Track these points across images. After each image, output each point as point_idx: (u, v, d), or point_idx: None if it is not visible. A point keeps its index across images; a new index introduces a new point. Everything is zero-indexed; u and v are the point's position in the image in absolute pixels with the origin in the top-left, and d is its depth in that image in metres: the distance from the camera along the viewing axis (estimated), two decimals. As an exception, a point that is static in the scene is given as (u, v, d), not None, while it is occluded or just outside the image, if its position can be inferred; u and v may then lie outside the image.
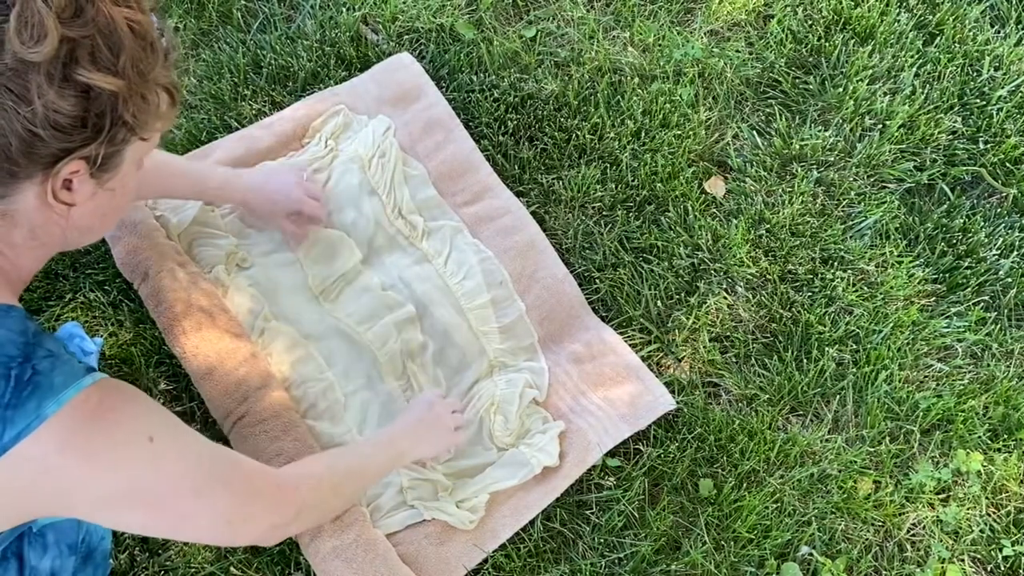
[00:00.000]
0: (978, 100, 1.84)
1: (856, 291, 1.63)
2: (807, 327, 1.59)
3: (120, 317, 1.49)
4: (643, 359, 1.53)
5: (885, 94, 1.83)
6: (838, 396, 1.54)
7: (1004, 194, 1.78)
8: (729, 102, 1.82)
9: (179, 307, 1.43)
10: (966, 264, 1.68)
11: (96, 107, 0.81)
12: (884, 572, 1.42)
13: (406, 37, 1.83)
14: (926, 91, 1.84)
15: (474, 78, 1.79)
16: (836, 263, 1.66)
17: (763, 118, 1.82)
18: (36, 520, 1.05)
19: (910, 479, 1.48)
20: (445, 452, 1.41)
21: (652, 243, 1.65)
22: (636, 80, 1.81)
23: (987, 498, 1.48)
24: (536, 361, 1.53)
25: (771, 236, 1.67)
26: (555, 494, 1.40)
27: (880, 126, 1.80)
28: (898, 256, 1.68)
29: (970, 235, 1.71)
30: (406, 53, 1.79)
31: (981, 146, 1.80)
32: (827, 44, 1.88)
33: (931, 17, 1.94)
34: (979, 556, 1.45)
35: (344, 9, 1.85)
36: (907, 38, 1.89)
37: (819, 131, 1.79)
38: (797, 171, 1.74)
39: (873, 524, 1.45)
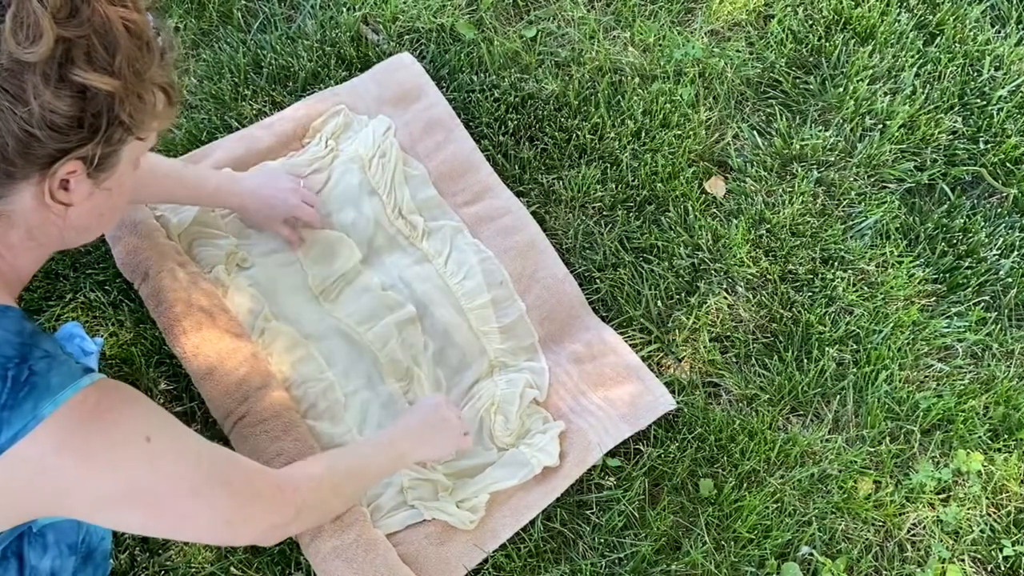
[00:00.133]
0: (978, 100, 1.84)
1: (856, 291, 1.63)
2: (807, 327, 1.59)
3: (120, 317, 1.49)
4: (643, 359, 1.53)
5: (885, 94, 1.83)
6: (838, 396, 1.54)
7: (1004, 194, 1.78)
8: (729, 102, 1.82)
9: (179, 307, 1.43)
10: (966, 264, 1.68)
11: (92, 107, 0.81)
12: (884, 572, 1.42)
13: (406, 37, 1.83)
14: (926, 91, 1.84)
15: (474, 78, 1.79)
16: (836, 263, 1.66)
17: (763, 118, 1.82)
18: (36, 520, 1.05)
19: (910, 479, 1.48)
20: (449, 455, 1.41)
21: (652, 243, 1.65)
22: (636, 80, 1.81)
23: (987, 498, 1.48)
24: (536, 361, 1.53)
25: (771, 236, 1.67)
26: (555, 494, 1.40)
27: (880, 126, 1.80)
28: (898, 256, 1.68)
29: (970, 235, 1.71)
30: (406, 53, 1.79)
31: (981, 146, 1.80)
32: (827, 44, 1.88)
33: (931, 17, 1.94)
34: (979, 556, 1.45)
35: (344, 9, 1.85)
36: (907, 38, 1.89)
37: (819, 131, 1.79)
38: (797, 171, 1.74)
39: (873, 524, 1.45)
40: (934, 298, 1.66)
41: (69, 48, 0.78)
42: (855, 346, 1.58)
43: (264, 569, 1.32)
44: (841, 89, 1.83)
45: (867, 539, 1.44)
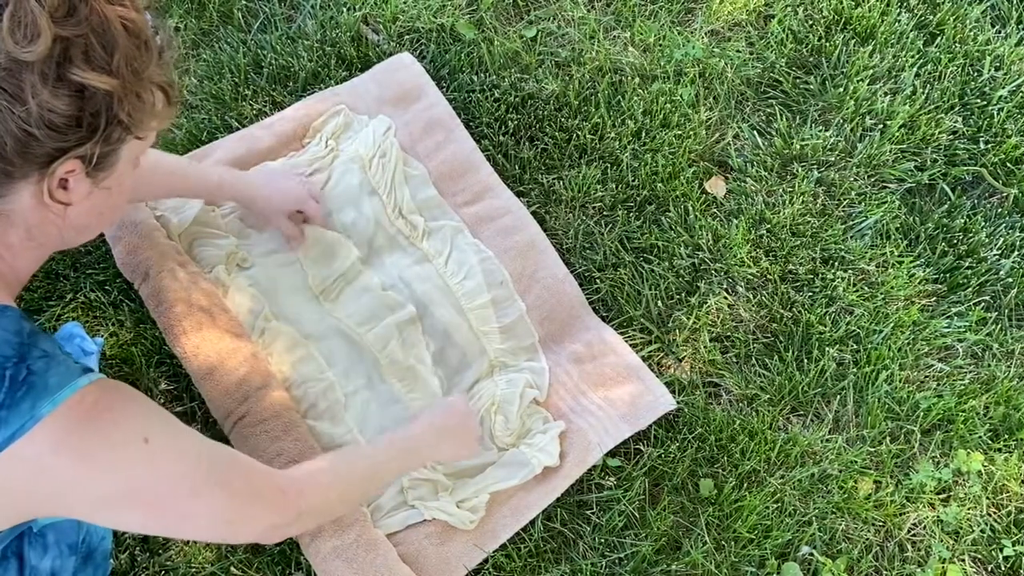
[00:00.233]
0: (979, 100, 1.84)
1: (857, 291, 1.63)
2: (808, 327, 1.59)
3: (121, 317, 1.49)
4: (644, 359, 1.53)
5: (886, 94, 1.83)
6: (839, 396, 1.54)
7: (1005, 194, 1.78)
8: (730, 102, 1.82)
9: (179, 307, 1.43)
10: (967, 264, 1.67)
11: (91, 106, 0.81)
12: (885, 572, 1.42)
13: (407, 37, 1.83)
14: (927, 91, 1.84)
15: (475, 78, 1.79)
16: (837, 263, 1.66)
17: (764, 118, 1.82)
18: (36, 520, 1.05)
19: (911, 479, 1.48)
20: (466, 457, 1.41)
21: (653, 243, 1.65)
22: (637, 80, 1.81)
23: (988, 498, 1.48)
24: (537, 361, 1.53)
25: (772, 236, 1.67)
26: (555, 494, 1.40)
27: (881, 126, 1.80)
28: (899, 256, 1.68)
29: (971, 235, 1.71)
30: (407, 53, 1.79)
31: (982, 146, 1.80)
32: (828, 44, 1.88)
33: (932, 17, 1.94)
34: (980, 556, 1.45)
35: (345, 9, 1.85)
36: (908, 38, 1.89)
37: (820, 131, 1.79)
38: (798, 171, 1.74)
39: (874, 524, 1.45)
40: (934, 298, 1.66)
41: (67, 47, 0.78)
42: (855, 346, 1.58)
43: (264, 569, 1.32)
44: (841, 89, 1.83)
45: (867, 539, 1.44)
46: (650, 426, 1.47)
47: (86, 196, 0.88)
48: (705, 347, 1.56)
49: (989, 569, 1.44)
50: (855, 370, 1.56)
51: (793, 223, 1.68)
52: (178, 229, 1.54)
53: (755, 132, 1.80)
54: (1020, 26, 1.95)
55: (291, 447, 1.35)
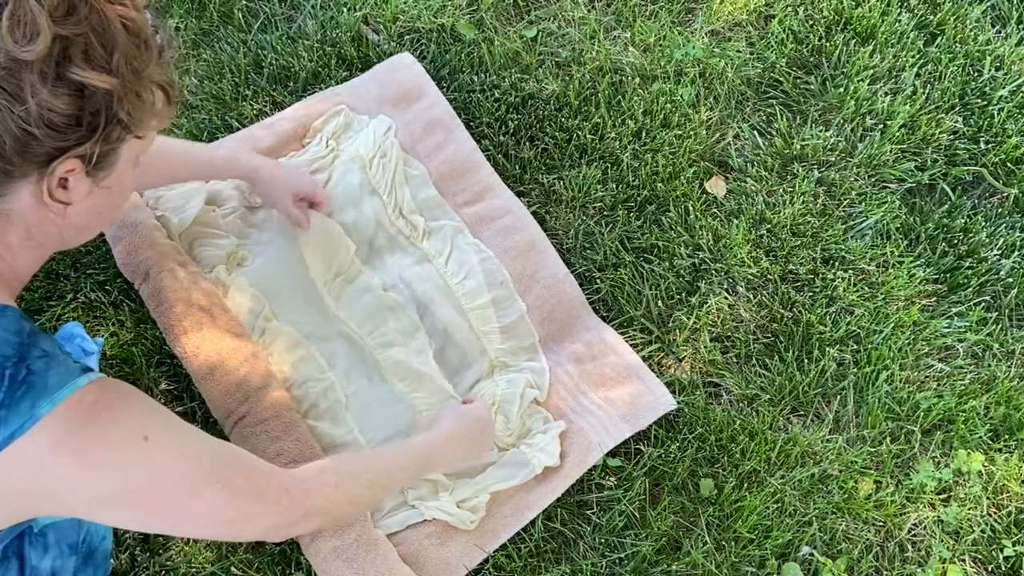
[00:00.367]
0: (979, 100, 1.84)
1: (857, 291, 1.63)
2: (808, 327, 1.59)
3: (121, 317, 1.49)
4: (644, 359, 1.53)
5: (886, 94, 1.83)
6: (839, 396, 1.54)
7: (1005, 194, 1.78)
8: (730, 102, 1.82)
9: (180, 307, 1.43)
10: (967, 264, 1.67)
11: (90, 105, 0.81)
12: (885, 572, 1.42)
13: (407, 37, 1.83)
14: (927, 91, 1.84)
15: (475, 78, 1.79)
16: (837, 263, 1.66)
17: (764, 118, 1.82)
18: (37, 520, 1.05)
19: (911, 479, 1.48)
20: (478, 460, 1.41)
21: (653, 243, 1.65)
22: (637, 80, 1.81)
23: (988, 498, 1.48)
24: (537, 361, 1.53)
25: (772, 236, 1.67)
26: (556, 494, 1.40)
27: (881, 126, 1.80)
28: (899, 256, 1.67)
29: (971, 235, 1.71)
30: (407, 53, 1.79)
31: (982, 146, 1.80)
32: (828, 44, 1.88)
33: (932, 17, 1.94)
34: (980, 556, 1.45)
35: (345, 9, 1.85)
36: (908, 38, 1.89)
37: (820, 131, 1.79)
38: (798, 171, 1.74)
39: (874, 524, 1.45)
40: (935, 298, 1.66)
41: (67, 46, 0.78)
42: (856, 346, 1.58)
43: (265, 569, 1.32)
44: (842, 89, 1.83)
45: (868, 539, 1.44)
46: (650, 426, 1.47)
47: (86, 195, 0.88)
48: (705, 347, 1.56)
49: (989, 569, 1.44)
50: (855, 370, 1.56)
51: (793, 223, 1.68)
52: (178, 229, 1.54)
53: (755, 132, 1.80)
54: (1020, 26, 1.95)
55: (291, 447, 1.35)
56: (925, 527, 1.45)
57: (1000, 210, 1.76)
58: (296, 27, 1.84)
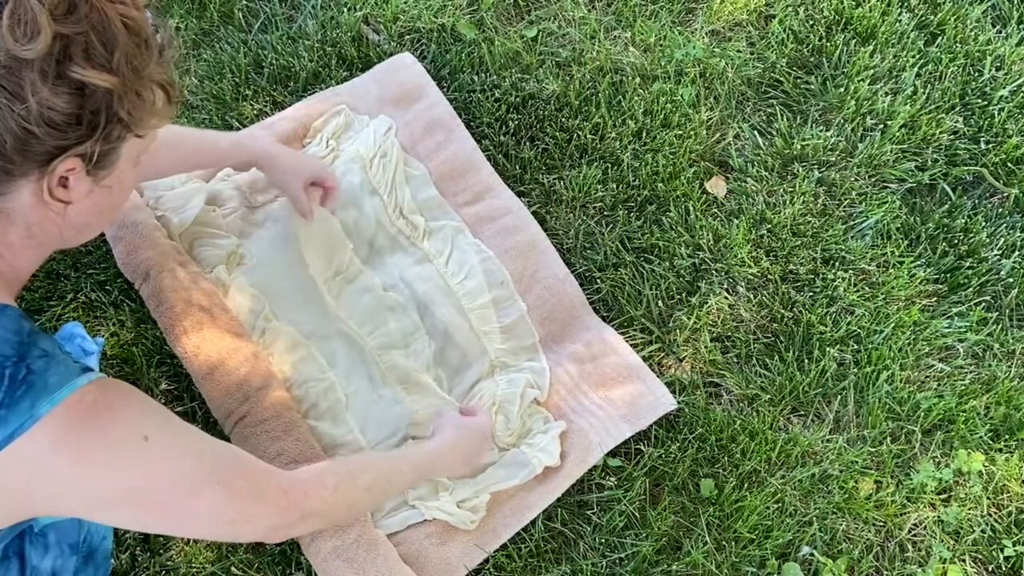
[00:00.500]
0: (979, 100, 1.84)
1: (857, 291, 1.63)
2: (808, 327, 1.58)
3: (121, 317, 1.49)
4: (644, 359, 1.53)
5: (886, 94, 1.83)
6: (839, 396, 1.54)
7: (1006, 194, 1.78)
8: (730, 102, 1.82)
9: (180, 307, 1.43)
10: (967, 264, 1.67)
11: (91, 104, 0.80)
12: (885, 572, 1.42)
13: (407, 37, 1.83)
14: (927, 91, 1.84)
15: (475, 78, 1.79)
16: (837, 263, 1.66)
17: (764, 118, 1.82)
18: (37, 520, 1.05)
19: (911, 479, 1.48)
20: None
21: (653, 243, 1.65)
22: (637, 80, 1.81)
23: (988, 498, 1.48)
24: (537, 361, 1.53)
25: (772, 236, 1.67)
26: (556, 494, 1.40)
27: (881, 126, 1.80)
28: (899, 256, 1.67)
29: (971, 235, 1.71)
30: (407, 53, 1.79)
31: (983, 146, 1.80)
32: (828, 44, 1.88)
33: (932, 17, 1.94)
34: (980, 556, 1.45)
35: (345, 9, 1.85)
36: (908, 38, 1.89)
37: (820, 131, 1.79)
38: (798, 171, 1.74)
39: (874, 524, 1.45)
40: (935, 298, 1.66)
41: (67, 45, 0.77)
42: (856, 346, 1.58)
43: (265, 569, 1.32)
44: (842, 89, 1.83)
45: (868, 539, 1.44)
46: (651, 426, 1.47)
47: (86, 194, 0.88)
48: (706, 347, 1.56)
49: (990, 569, 1.44)
50: (856, 370, 1.56)
51: (794, 223, 1.68)
52: (179, 229, 1.54)
53: (756, 132, 1.80)
54: (1021, 26, 1.95)
55: (292, 447, 1.35)
56: (925, 527, 1.45)
57: (1000, 210, 1.76)
58: (296, 27, 1.84)
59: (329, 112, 1.71)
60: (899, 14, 1.92)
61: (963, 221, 1.72)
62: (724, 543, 1.40)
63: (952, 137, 1.81)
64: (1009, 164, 1.79)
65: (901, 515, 1.46)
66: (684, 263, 1.63)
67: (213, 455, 0.99)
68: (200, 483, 0.95)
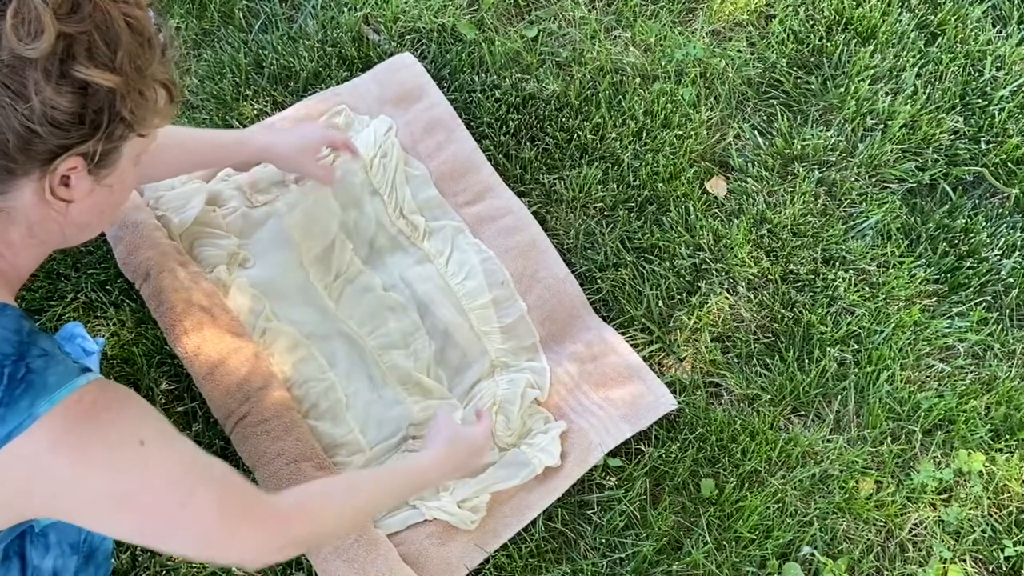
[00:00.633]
0: (980, 100, 1.84)
1: (858, 291, 1.63)
2: (809, 327, 1.59)
3: (122, 317, 1.49)
4: (644, 359, 1.53)
5: (887, 94, 1.83)
6: (840, 396, 1.54)
7: (1006, 194, 1.78)
8: (731, 102, 1.82)
9: (180, 307, 1.43)
10: (968, 264, 1.67)
11: (94, 103, 0.80)
12: (886, 572, 1.42)
13: (408, 37, 1.83)
14: (928, 91, 1.84)
15: (476, 78, 1.79)
16: (838, 263, 1.66)
17: (765, 118, 1.82)
18: (38, 520, 1.04)
19: (912, 479, 1.48)
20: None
21: (654, 243, 1.65)
22: (638, 80, 1.81)
23: (989, 498, 1.48)
24: (537, 361, 1.53)
25: (773, 236, 1.67)
26: (556, 494, 1.40)
27: (882, 126, 1.80)
28: (900, 256, 1.67)
29: (972, 235, 1.71)
30: (408, 53, 1.79)
31: (983, 146, 1.80)
32: (829, 44, 1.88)
33: (933, 17, 1.94)
34: (981, 556, 1.45)
35: (346, 9, 1.85)
36: (909, 38, 1.89)
37: (821, 131, 1.79)
38: (799, 171, 1.74)
39: (875, 524, 1.45)
40: (935, 298, 1.66)
41: (70, 44, 0.77)
42: (856, 346, 1.58)
43: (265, 569, 1.32)
44: (842, 89, 1.83)
45: (868, 539, 1.44)
46: (651, 426, 1.47)
47: (88, 194, 0.87)
48: (706, 347, 1.56)
49: (990, 569, 1.44)
50: (856, 370, 1.56)
51: (794, 223, 1.68)
52: (179, 229, 1.54)
53: (756, 132, 1.80)
54: (1021, 26, 1.95)
55: (292, 447, 1.35)
56: (926, 527, 1.45)
57: (1001, 210, 1.76)
58: (297, 27, 1.84)
59: (329, 112, 1.71)
60: (899, 14, 1.92)
61: (963, 221, 1.72)
62: (724, 543, 1.40)
63: (952, 137, 1.81)
64: (1009, 164, 1.79)
65: (901, 515, 1.46)
66: (684, 263, 1.63)
67: (205, 469, 0.96)
68: (186, 494, 0.92)
